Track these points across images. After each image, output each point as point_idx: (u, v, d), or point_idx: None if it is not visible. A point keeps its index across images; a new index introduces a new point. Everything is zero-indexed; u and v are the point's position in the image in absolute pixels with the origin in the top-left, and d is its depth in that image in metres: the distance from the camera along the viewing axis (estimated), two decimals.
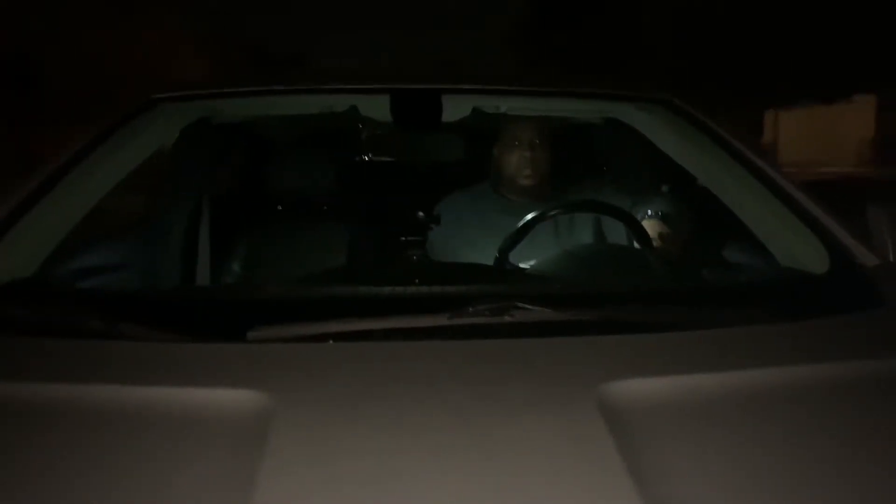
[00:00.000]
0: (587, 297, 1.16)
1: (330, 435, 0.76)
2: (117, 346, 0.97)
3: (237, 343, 0.97)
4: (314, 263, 1.57)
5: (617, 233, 1.81)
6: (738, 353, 0.96)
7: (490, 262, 1.58)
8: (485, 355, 0.93)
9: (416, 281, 1.16)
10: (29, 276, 1.21)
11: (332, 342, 0.97)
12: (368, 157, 3.64)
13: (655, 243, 1.67)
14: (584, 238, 1.88)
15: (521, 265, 1.54)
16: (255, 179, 2.26)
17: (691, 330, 1.03)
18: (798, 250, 1.33)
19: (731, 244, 1.79)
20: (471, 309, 1.01)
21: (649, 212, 1.77)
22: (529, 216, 1.59)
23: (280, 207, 2.08)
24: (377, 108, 1.79)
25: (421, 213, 2.08)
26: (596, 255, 1.65)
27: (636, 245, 1.67)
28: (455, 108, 1.81)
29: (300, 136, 2.77)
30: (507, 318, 1.00)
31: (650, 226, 1.71)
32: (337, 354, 0.94)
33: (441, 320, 0.99)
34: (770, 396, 0.86)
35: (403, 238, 2.35)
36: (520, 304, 1.02)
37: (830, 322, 1.07)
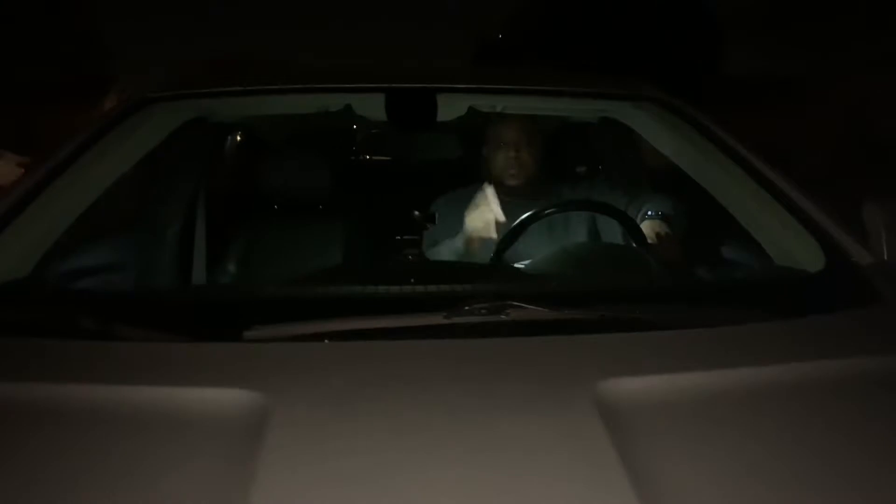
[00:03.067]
0: (583, 296, 1.16)
1: (326, 434, 0.76)
2: (113, 346, 0.96)
3: (233, 343, 0.96)
4: (310, 263, 1.56)
5: (612, 231, 1.81)
6: (734, 351, 0.97)
7: (486, 260, 1.58)
8: (481, 354, 0.93)
9: (412, 280, 1.16)
10: (24, 277, 1.20)
11: (328, 342, 0.97)
12: (364, 156, 3.65)
13: (654, 243, 1.67)
14: (580, 237, 1.88)
15: (517, 264, 1.54)
16: (250, 179, 2.25)
17: (687, 328, 1.03)
18: (793, 248, 1.34)
19: (727, 242, 1.79)
20: (467, 308, 1.01)
21: (649, 212, 1.76)
22: (525, 215, 1.59)
23: (275, 207, 2.07)
24: (372, 107, 1.79)
25: (416, 212, 2.08)
26: (592, 253, 1.64)
27: (632, 244, 1.67)
28: (450, 108, 1.81)
29: (295, 136, 2.77)
30: (503, 317, 1.00)
31: (650, 226, 1.70)
32: (333, 354, 0.94)
33: (437, 319, 0.99)
34: (765, 394, 0.87)
35: (399, 237, 2.35)
36: (516, 303, 1.02)
37: (825, 320, 1.07)
